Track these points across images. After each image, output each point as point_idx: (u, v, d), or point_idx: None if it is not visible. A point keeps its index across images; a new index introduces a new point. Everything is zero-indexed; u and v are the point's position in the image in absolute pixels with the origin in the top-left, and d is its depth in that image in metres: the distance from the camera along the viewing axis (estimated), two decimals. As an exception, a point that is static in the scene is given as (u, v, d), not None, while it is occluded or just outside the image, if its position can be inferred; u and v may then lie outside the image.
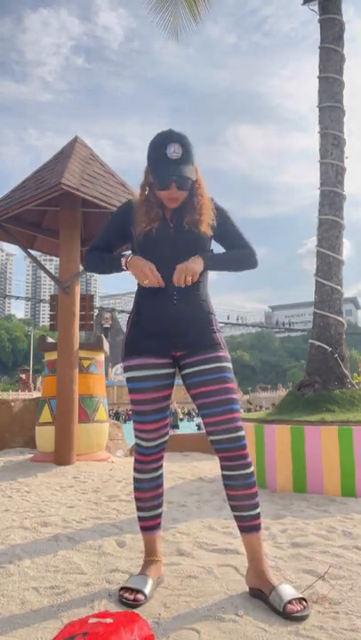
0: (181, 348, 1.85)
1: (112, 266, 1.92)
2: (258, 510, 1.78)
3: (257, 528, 1.77)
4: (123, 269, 1.88)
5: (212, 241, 1.96)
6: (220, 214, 1.94)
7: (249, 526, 1.77)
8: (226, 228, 1.95)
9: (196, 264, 1.81)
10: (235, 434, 1.75)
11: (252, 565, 1.78)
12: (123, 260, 1.86)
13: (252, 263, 1.96)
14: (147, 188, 1.88)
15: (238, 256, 1.95)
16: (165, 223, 1.85)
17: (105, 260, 1.94)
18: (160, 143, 1.78)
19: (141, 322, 1.88)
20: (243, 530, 1.78)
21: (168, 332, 1.84)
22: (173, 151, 1.75)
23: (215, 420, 1.76)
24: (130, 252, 1.95)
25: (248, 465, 1.77)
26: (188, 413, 32.02)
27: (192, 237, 1.84)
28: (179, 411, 19.47)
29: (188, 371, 1.84)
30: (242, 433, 1.77)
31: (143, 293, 1.90)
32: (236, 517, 1.80)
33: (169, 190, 1.79)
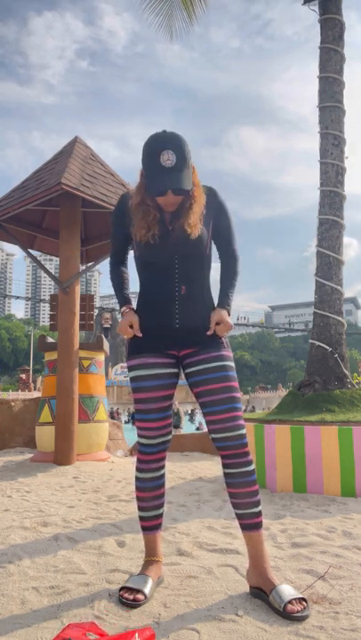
0: (184, 347, 1.86)
1: (117, 297, 2.02)
2: (259, 508, 1.78)
3: (258, 526, 1.78)
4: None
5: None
6: (220, 210, 1.94)
7: (250, 524, 1.77)
8: (221, 229, 1.96)
9: (227, 317, 1.90)
10: (236, 432, 1.77)
11: (253, 563, 1.78)
12: (122, 310, 1.95)
13: (237, 266, 2.02)
14: (143, 190, 1.84)
15: (233, 279, 1.99)
16: (164, 227, 1.84)
17: (116, 289, 2.02)
18: (153, 151, 1.71)
19: (144, 321, 1.88)
20: (244, 527, 1.79)
21: (171, 332, 1.85)
22: (167, 159, 1.69)
23: (217, 418, 1.78)
24: (126, 307, 1.96)
25: (249, 463, 1.78)
26: (191, 413, 31.91)
27: (192, 240, 1.83)
28: (182, 412, 19.36)
29: (191, 369, 1.86)
30: (243, 431, 1.78)
31: (146, 293, 1.91)
32: (237, 515, 1.80)
33: (165, 196, 1.77)
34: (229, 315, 1.92)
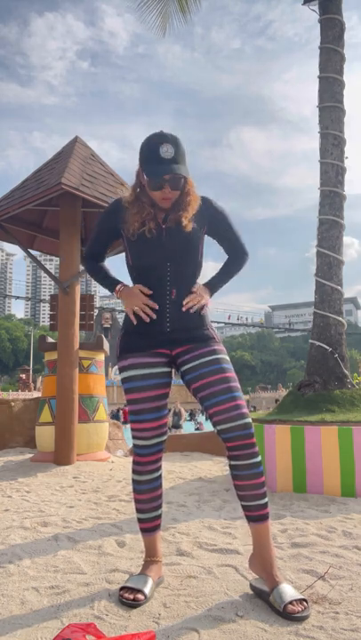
0: (177, 346, 1.86)
1: (105, 286, 2.02)
2: (266, 500, 1.78)
3: (265, 517, 1.77)
4: (114, 294, 1.99)
5: (207, 237, 2.00)
6: (219, 215, 1.97)
7: (257, 516, 1.77)
8: (224, 230, 2.01)
9: (206, 298, 1.94)
10: (242, 421, 1.75)
11: (258, 553, 1.78)
12: (117, 288, 1.96)
13: (244, 262, 2.08)
14: (138, 189, 1.89)
15: (233, 268, 2.05)
16: (158, 225, 1.86)
17: (101, 278, 2.04)
18: (152, 143, 1.79)
19: (136, 321, 1.88)
20: (250, 519, 1.78)
21: (162, 331, 1.86)
22: (166, 150, 1.76)
23: (219, 409, 1.76)
24: (120, 285, 1.98)
25: (255, 454, 1.77)
26: (191, 413, 31.94)
27: (184, 238, 1.85)
28: (183, 412, 19.41)
29: (185, 367, 1.85)
30: (249, 420, 1.76)
31: None
32: (243, 507, 1.80)
33: (162, 190, 1.79)
34: (210, 295, 1.97)
